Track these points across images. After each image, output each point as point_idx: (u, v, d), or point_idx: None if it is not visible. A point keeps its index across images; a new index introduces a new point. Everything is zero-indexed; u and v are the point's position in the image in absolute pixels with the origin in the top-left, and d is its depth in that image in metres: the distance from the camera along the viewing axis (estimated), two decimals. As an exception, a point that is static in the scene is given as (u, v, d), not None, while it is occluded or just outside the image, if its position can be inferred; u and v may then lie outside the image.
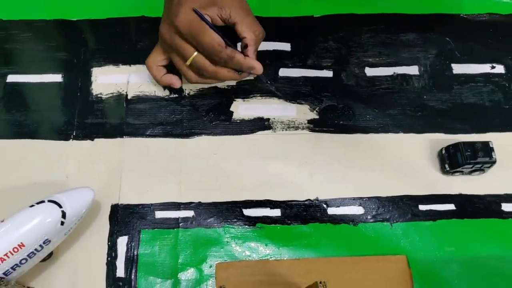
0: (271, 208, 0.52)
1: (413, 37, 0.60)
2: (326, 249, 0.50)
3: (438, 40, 0.60)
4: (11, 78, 0.57)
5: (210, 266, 0.49)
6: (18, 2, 0.61)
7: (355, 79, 0.58)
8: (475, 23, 0.62)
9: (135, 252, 0.49)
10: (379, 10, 0.62)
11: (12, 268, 0.42)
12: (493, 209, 0.52)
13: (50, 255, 0.47)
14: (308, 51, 0.59)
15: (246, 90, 0.57)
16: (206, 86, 0.56)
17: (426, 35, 0.61)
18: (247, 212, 0.51)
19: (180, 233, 0.50)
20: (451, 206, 0.52)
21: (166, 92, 0.56)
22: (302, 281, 0.47)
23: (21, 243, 0.41)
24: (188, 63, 0.50)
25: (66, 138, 0.54)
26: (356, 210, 0.52)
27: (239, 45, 0.52)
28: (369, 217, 0.52)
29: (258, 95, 0.56)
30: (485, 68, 0.59)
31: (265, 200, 0.52)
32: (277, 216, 0.51)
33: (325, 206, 0.52)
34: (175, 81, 0.54)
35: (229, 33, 0.49)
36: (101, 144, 0.54)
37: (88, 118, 0.55)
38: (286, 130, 0.55)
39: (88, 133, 0.54)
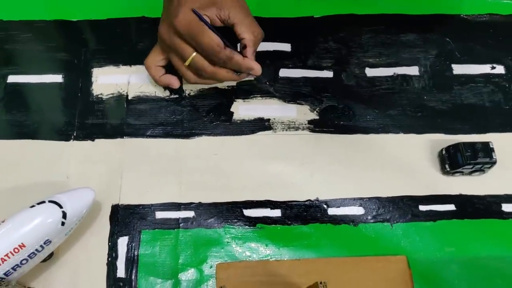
0: (271, 208, 0.52)
1: (413, 38, 0.60)
2: (326, 249, 0.50)
3: (438, 41, 0.60)
4: (12, 79, 0.57)
5: (211, 267, 0.49)
6: (18, 2, 0.61)
7: (355, 79, 0.58)
8: (475, 24, 0.62)
9: (136, 253, 0.49)
10: (379, 10, 0.62)
11: (12, 268, 0.42)
12: (493, 210, 0.52)
13: (50, 255, 0.47)
14: (308, 52, 0.59)
15: (246, 90, 0.57)
16: (206, 86, 0.57)
17: (426, 35, 0.61)
18: (248, 212, 0.51)
19: (181, 233, 0.50)
20: (451, 207, 0.52)
21: (167, 93, 0.56)
22: (302, 282, 0.47)
23: (22, 243, 0.41)
24: (187, 63, 0.50)
25: (66, 138, 0.54)
26: (356, 210, 0.52)
27: (238, 45, 0.52)
28: (369, 217, 0.52)
29: (259, 95, 0.56)
30: (485, 68, 0.59)
31: (265, 200, 0.52)
32: (277, 217, 0.51)
33: (325, 206, 0.52)
34: (173, 82, 0.54)
35: (228, 33, 0.49)
36: (102, 144, 0.54)
37: (88, 119, 0.55)
38: (286, 130, 0.55)
39: (89, 133, 0.54)
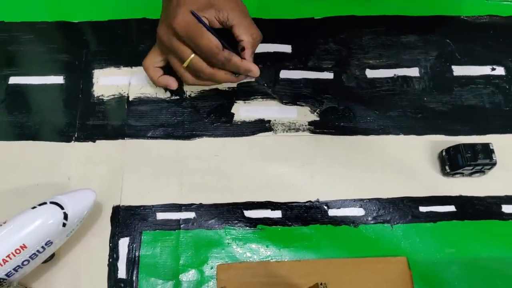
0: (272, 209, 0.52)
1: (413, 39, 0.61)
2: (326, 250, 0.50)
3: (438, 42, 0.60)
4: (13, 80, 0.57)
5: (211, 268, 0.49)
6: (20, 4, 0.61)
7: (355, 81, 0.58)
8: (476, 25, 0.62)
9: (137, 254, 0.49)
10: (380, 12, 0.62)
11: (14, 269, 0.42)
12: (493, 211, 0.52)
13: (52, 256, 0.47)
14: (308, 53, 0.59)
15: (247, 92, 0.57)
16: (206, 88, 0.57)
17: (426, 37, 0.61)
18: (248, 213, 0.51)
19: (181, 234, 0.50)
20: (451, 208, 0.52)
21: (167, 94, 0.57)
22: (302, 283, 0.47)
23: (23, 244, 0.41)
24: (185, 65, 0.50)
25: (67, 139, 0.54)
26: (356, 211, 0.52)
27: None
28: (369, 218, 0.52)
29: (259, 97, 0.57)
30: (485, 70, 0.59)
31: (266, 201, 0.52)
32: (278, 218, 0.51)
33: (325, 207, 0.52)
34: (171, 83, 0.54)
35: (226, 35, 0.49)
36: (103, 145, 0.54)
37: (89, 120, 0.55)
38: (286, 131, 0.55)
39: (90, 134, 0.54)
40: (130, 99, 0.56)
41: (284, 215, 0.51)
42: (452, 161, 0.52)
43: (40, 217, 0.43)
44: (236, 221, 0.51)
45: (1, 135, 0.54)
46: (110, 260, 0.49)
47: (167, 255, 0.49)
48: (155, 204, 0.51)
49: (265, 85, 0.56)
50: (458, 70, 0.59)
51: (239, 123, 0.55)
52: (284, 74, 0.58)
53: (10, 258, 0.41)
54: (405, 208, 0.52)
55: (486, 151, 0.51)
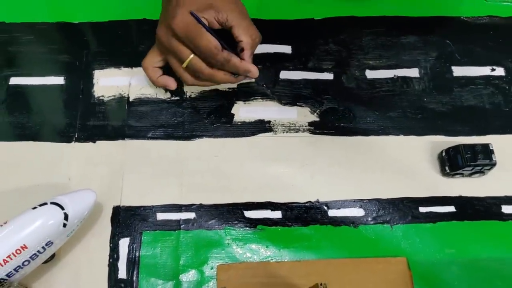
0: (272, 210, 0.52)
1: (413, 40, 0.61)
2: (326, 251, 0.50)
3: (438, 43, 0.61)
4: (14, 81, 0.57)
5: (211, 268, 0.49)
6: (20, 5, 0.61)
7: (355, 81, 0.58)
8: (475, 26, 0.62)
9: (137, 254, 0.49)
10: (380, 12, 0.62)
11: (14, 269, 0.42)
12: (493, 211, 0.52)
13: (52, 256, 0.47)
14: (308, 54, 0.59)
15: (247, 92, 0.57)
16: (206, 88, 0.57)
17: (426, 37, 0.61)
18: (248, 214, 0.51)
19: (182, 235, 0.50)
20: (451, 208, 0.52)
21: (168, 95, 0.57)
22: (302, 283, 0.48)
23: (24, 245, 0.42)
24: (184, 65, 0.50)
25: (68, 140, 0.54)
26: (356, 212, 0.52)
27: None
28: (369, 219, 0.52)
29: (259, 97, 0.57)
30: (485, 70, 0.59)
31: (266, 202, 0.52)
32: (278, 218, 0.51)
33: (325, 208, 0.52)
34: (170, 83, 0.54)
35: (225, 36, 0.50)
36: (103, 146, 0.54)
37: (90, 120, 0.55)
38: (286, 132, 0.55)
39: (90, 135, 0.54)
40: (131, 99, 0.56)
41: (284, 215, 0.52)
42: (452, 162, 0.52)
43: (41, 217, 0.43)
44: (236, 222, 0.51)
45: (1, 135, 0.54)
46: (111, 260, 0.49)
47: (167, 255, 0.49)
48: (155, 204, 0.51)
49: (264, 85, 0.56)
50: (458, 71, 0.59)
51: (239, 123, 0.56)
52: (284, 74, 0.58)
53: (11, 259, 0.41)
54: (405, 209, 0.52)
55: (486, 151, 0.51)
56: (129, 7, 0.61)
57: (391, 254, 0.50)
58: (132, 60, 0.57)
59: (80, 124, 0.55)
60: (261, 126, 0.55)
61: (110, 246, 0.50)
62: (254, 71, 0.50)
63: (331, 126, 0.56)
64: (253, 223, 0.51)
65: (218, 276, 0.48)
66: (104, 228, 0.50)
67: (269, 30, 0.59)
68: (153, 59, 0.53)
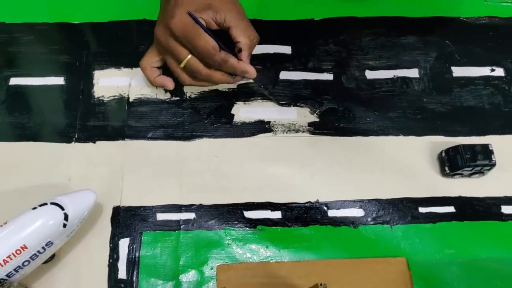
0: (271, 210, 0.52)
1: (413, 40, 0.61)
2: (326, 251, 0.50)
3: (438, 43, 0.61)
4: (14, 81, 0.57)
5: (211, 268, 0.49)
6: (20, 5, 0.61)
7: (355, 82, 0.58)
8: (475, 26, 0.62)
9: (137, 254, 0.49)
10: (380, 13, 0.62)
11: (15, 270, 0.42)
12: (492, 212, 0.52)
13: (52, 257, 0.47)
14: (308, 54, 0.59)
15: (247, 93, 0.57)
16: (207, 89, 0.57)
17: (426, 38, 0.61)
18: (248, 214, 0.52)
19: (182, 235, 0.50)
20: (451, 209, 0.52)
21: (168, 95, 0.57)
22: (302, 283, 0.48)
23: (24, 245, 0.42)
24: (182, 65, 0.50)
25: (68, 140, 0.54)
26: (356, 212, 0.52)
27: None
28: (369, 219, 0.52)
29: (259, 98, 0.57)
30: (485, 71, 0.59)
31: (266, 202, 0.52)
32: (277, 218, 0.51)
33: (325, 208, 0.52)
34: (168, 83, 0.54)
35: (223, 36, 0.50)
36: (103, 146, 0.54)
37: (90, 121, 0.55)
38: (286, 132, 0.55)
39: (90, 135, 0.54)
40: (131, 100, 0.56)
41: (284, 215, 0.52)
42: (452, 162, 0.52)
43: (41, 217, 0.43)
44: (236, 222, 0.51)
45: (1, 136, 0.54)
46: (110, 260, 0.49)
47: (167, 255, 0.49)
48: (155, 204, 0.52)
49: (262, 86, 0.56)
50: (458, 71, 0.59)
51: (239, 124, 0.56)
52: (284, 75, 0.58)
53: (11, 259, 0.41)
54: (404, 209, 0.52)
55: (486, 152, 0.51)
56: (129, 8, 0.61)
57: (391, 254, 0.50)
58: (132, 60, 0.58)
59: (80, 124, 0.55)
60: (261, 127, 0.55)
61: (110, 246, 0.50)
62: (252, 71, 0.50)
63: (331, 127, 0.56)
64: (253, 223, 0.51)
65: (218, 276, 0.48)
66: (104, 228, 0.50)
67: (269, 30, 0.59)
68: (151, 59, 0.53)
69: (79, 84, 0.57)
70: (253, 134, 0.55)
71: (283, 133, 0.55)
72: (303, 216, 0.52)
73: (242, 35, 0.49)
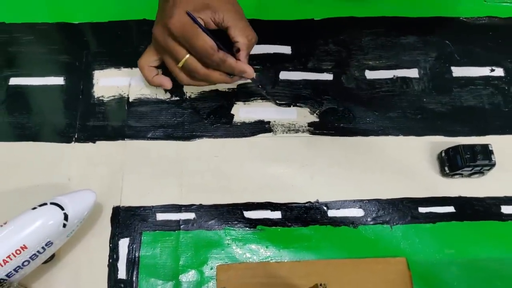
0: (271, 210, 0.52)
1: (413, 40, 0.61)
2: (326, 251, 0.50)
3: (438, 43, 0.61)
4: (14, 81, 0.57)
5: (211, 268, 0.49)
6: (20, 5, 0.61)
7: (355, 82, 0.58)
8: (475, 26, 0.62)
9: (137, 254, 0.49)
10: (380, 13, 0.62)
11: (14, 270, 0.42)
12: (492, 212, 0.52)
13: (52, 257, 0.47)
14: (308, 54, 0.59)
15: (247, 93, 0.57)
16: (207, 89, 0.57)
17: (426, 38, 0.61)
18: (248, 214, 0.52)
19: (181, 235, 0.50)
20: (450, 209, 0.52)
21: (168, 95, 0.57)
22: (302, 283, 0.48)
23: (24, 245, 0.42)
24: (180, 65, 0.50)
25: (68, 140, 0.54)
26: (356, 212, 0.52)
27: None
28: (369, 219, 0.52)
29: (259, 98, 0.57)
30: (484, 71, 0.59)
31: (265, 202, 0.52)
32: (277, 218, 0.51)
33: (325, 208, 0.52)
34: (166, 82, 0.54)
35: (222, 36, 0.50)
36: (103, 146, 0.54)
37: (90, 121, 0.55)
38: (286, 132, 0.55)
39: (90, 135, 0.54)
40: (130, 100, 0.56)
41: (284, 215, 0.52)
42: (452, 162, 0.52)
43: (41, 217, 0.43)
44: (236, 222, 0.51)
45: (1, 136, 0.54)
46: (110, 260, 0.49)
47: (167, 255, 0.49)
48: (155, 204, 0.52)
49: (260, 86, 0.55)
50: (458, 71, 0.59)
51: (239, 124, 0.56)
52: (284, 75, 0.58)
53: (11, 259, 0.41)
54: (404, 209, 0.52)
55: (485, 152, 0.51)
56: (129, 8, 0.61)
57: (391, 254, 0.50)
58: (132, 60, 0.57)
59: (80, 124, 0.55)
60: (261, 127, 0.55)
61: (110, 246, 0.50)
62: (250, 71, 0.50)
63: (331, 127, 0.56)
64: (253, 223, 0.51)
65: (217, 276, 0.48)
66: (104, 228, 0.50)
67: (268, 30, 0.59)
68: (149, 59, 0.53)
69: (79, 84, 0.57)
70: (253, 134, 0.55)
71: (283, 133, 0.55)
72: (303, 216, 0.52)
73: (241, 35, 0.49)
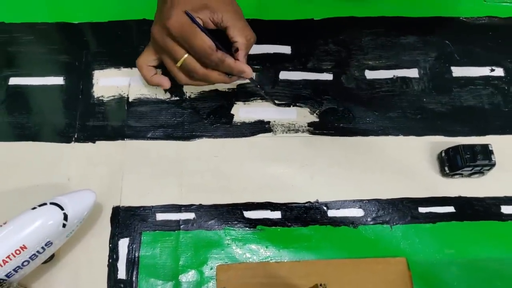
0: (271, 210, 0.52)
1: (413, 40, 0.61)
2: (326, 251, 0.50)
3: (438, 43, 0.61)
4: (13, 81, 0.57)
5: (211, 268, 0.49)
6: (20, 5, 0.61)
7: (355, 82, 0.58)
8: (475, 26, 0.62)
9: (136, 254, 0.49)
10: (379, 13, 0.62)
11: (14, 270, 0.42)
12: (492, 212, 0.52)
13: (51, 257, 0.47)
14: (308, 54, 0.59)
15: (246, 93, 0.57)
16: (207, 89, 0.57)
17: (426, 38, 0.61)
18: (248, 214, 0.51)
19: (181, 235, 0.50)
20: (450, 209, 0.52)
21: (167, 95, 0.57)
22: (302, 283, 0.48)
23: (23, 245, 0.42)
24: (178, 64, 0.50)
25: (67, 140, 0.54)
26: (356, 212, 0.52)
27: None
28: (369, 219, 0.52)
29: (259, 98, 0.57)
30: (484, 71, 0.59)
31: (265, 202, 0.52)
32: (277, 218, 0.51)
33: (325, 208, 0.52)
34: (164, 82, 0.54)
35: (220, 36, 0.49)
36: (103, 146, 0.54)
37: (89, 121, 0.55)
38: (286, 132, 0.55)
39: (90, 135, 0.54)
40: (130, 100, 0.56)
41: (284, 215, 0.52)
42: (452, 162, 0.52)
43: (40, 218, 0.43)
44: (236, 222, 0.51)
45: (1, 136, 0.54)
46: (110, 260, 0.49)
47: (166, 255, 0.49)
48: (155, 204, 0.51)
49: (258, 86, 0.55)
50: (457, 71, 0.59)
51: (238, 124, 0.56)
52: (284, 75, 0.58)
53: (10, 259, 0.41)
54: (404, 209, 0.52)
55: (485, 152, 0.51)
56: (129, 7, 0.61)
57: (391, 254, 0.50)
58: (132, 60, 0.57)
59: (80, 124, 0.55)
60: (261, 127, 0.55)
61: (109, 246, 0.50)
62: (248, 71, 0.50)
63: (331, 127, 0.56)
64: (253, 223, 0.51)
65: (217, 276, 0.48)
66: (104, 228, 0.50)
67: (268, 30, 0.59)
68: (148, 58, 0.53)
69: (79, 84, 0.57)
70: (253, 134, 0.55)
71: (283, 133, 0.55)
72: (302, 216, 0.52)
73: (239, 35, 0.49)
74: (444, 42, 0.61)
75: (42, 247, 0.43)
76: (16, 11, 0.60)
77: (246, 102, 0.56)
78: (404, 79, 0.58)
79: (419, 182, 0.53)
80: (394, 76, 0.59)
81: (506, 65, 0.60)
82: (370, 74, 0.59)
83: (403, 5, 0.62)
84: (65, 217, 0.43)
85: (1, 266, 0.41)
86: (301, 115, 0.56)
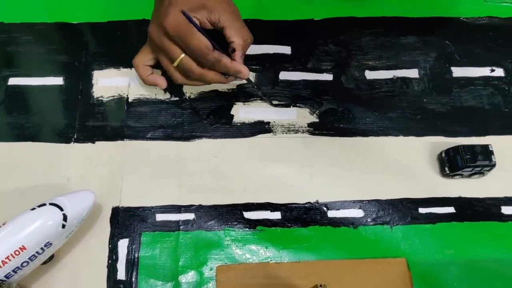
0: (271, 211, 0.52)
1: (413, 40, 0.61)
2: (326, 251, 0.50)
3: (438, 43, 0.61)
4: (13, 81, 0.57)
5: (211, 269, 0.49)
6: (19, 5, 0.61)
7: (355, 82, 0.58)
8: (475, 27, 0.62)
9: (136, 255, 0.49)
10: (379, 13, 0.62)
11: (13, 271, 0.42)
12: (492, 212, 0.52)
13: (51, 257, 0.47)
14: (308, 54, 0.59)
15: (246, 93, 0.57)
16: (206, 89, 0.57)
17: (426, 38, 0.61)
18: (248, 215, 0.51)
19: (181, 235, 0.50)
20: (451, 209, 0.52)
21: (167, 95, 0.57)
22: (302, 284, 0.48)
23: (23, 246, 0.41)
24: (175, 64, 0.50)
25: (67, 141, 0.54)
26: (356, 213, 0.52)
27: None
28: (369, 220, 0.52)
29: (259, 98, 0.57)
30: (484, 71, 0.59)
31: (265, 203, 0.52)
32: (277, 219, 0.51)
33: (325, 209, 0.52)
34: (160, 82, 0.54)
35: (217, 36, 0.49)
36: (102, 147, 0.54)
37: (89, 121, 0.55)
38: (286, 133, 0.55)
39: (89, 135, 0.54)
40: (130, 100, 0.56)
41: (284, 216, 0.51)
42: (452, 163, 0.52)
43: (40, 218, 0.43)
44: (236, 222, 0.51)
45: (0, 136, 0.54)
46: (110, 261, 0.49)
47: (166, 256, 0.49)
48: (155, 205, 0.51)
49: (255, 87, 0.55)
50: (458, 72, 0.59)
51: (238, 124, 0.55)
52: (284, 75, 0.58)
53: (9, 260, 0.41)
54: (404, 210, 0.52)
55: (486, 152, 0.51)
56: (128, 8, 0.61)
57: (391, 255, 0.50)
58: (131, 60, 0.57)
59: (79, 124, 0.55)
60: (261, 127, 0.55)
61: (109, 247, 0.49)
62: (245, 72, 0.50)
63: (331, 127, 0.56)
64: (253, 224, 0.51)
65: (217, 277, 0.48)
66: (103, 229, 0.50)
67: (268, 30, 0.59)
68: (144, 57, 0.53)
69: (78, 84, 0.57)
70: (252, 134, 0.55)
71: (282, 133, 0.55)
72: (302, 216, 0.52)
73: (236, 35, 0.49)
74: (444, 42, 0.61)
75: (42, 248, 0.43)
76: (15, 11, 0.60)
77: (246, 103, 0.56)
78: (404, 79, 0.58)
79: (419, 183, 0.53)
80: (394, 76, 0.59)
81: (506, 65, 0.60)
82: (370, 75, 0.58)
83: (403, 5, 0.62)
84: (65, 218, 0.43)
85: (0, 267, 0.41)
86: (301, 115, 0.56)
